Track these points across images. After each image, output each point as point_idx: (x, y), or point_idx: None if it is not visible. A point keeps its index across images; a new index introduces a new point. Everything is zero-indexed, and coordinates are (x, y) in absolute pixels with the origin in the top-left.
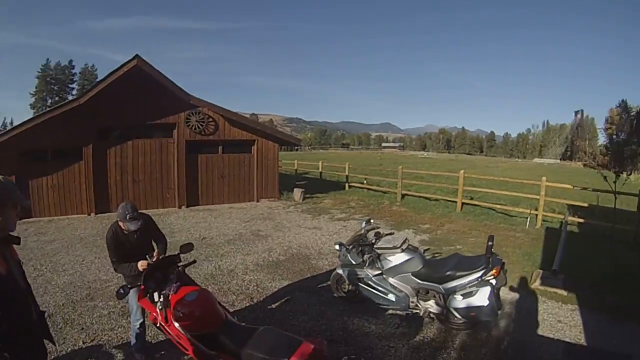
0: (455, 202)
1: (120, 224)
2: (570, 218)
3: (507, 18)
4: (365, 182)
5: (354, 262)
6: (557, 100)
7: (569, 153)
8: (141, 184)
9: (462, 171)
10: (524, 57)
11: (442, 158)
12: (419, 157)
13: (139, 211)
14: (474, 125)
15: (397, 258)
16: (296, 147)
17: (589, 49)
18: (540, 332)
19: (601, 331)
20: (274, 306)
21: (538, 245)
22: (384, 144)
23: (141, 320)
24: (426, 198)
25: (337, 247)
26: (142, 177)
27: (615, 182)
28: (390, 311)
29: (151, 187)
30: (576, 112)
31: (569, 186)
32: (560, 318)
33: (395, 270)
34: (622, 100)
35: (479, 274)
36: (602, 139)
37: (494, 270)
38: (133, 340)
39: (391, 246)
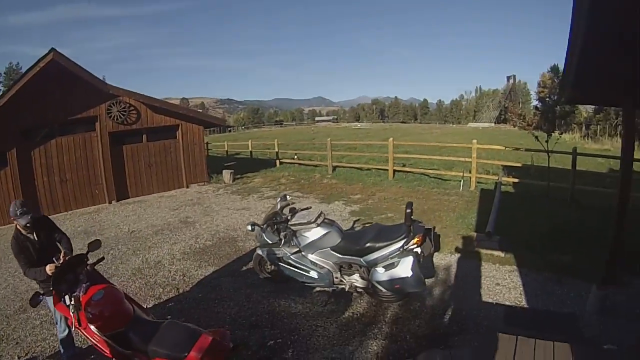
0: (387, 170)
1: (16, 224)
2: (505, 178)
3: None
4: (295, 157)
5: (270, 242)
6: (490, 66)
7: (503, 117)
8: (69, 183)
9: (391, 139)
10: (452, 22)
11: (376, 128)
12: (353, 128)
13: (47, 215)
14: (406, 94)
15: (314, 233)
16: (229, 129)
17: (520, 11)
18: (477, 297)
19: (542, 291)
20: (200, 295)
21: (473, 208)
22: (317, 118)
23: (67, 330)
24: (358, 168)
25: (249, 227)
26: (70, 176)
27: (547, 141)
28: (317, 289)
29: (79, 185)
30: (508, 77)
31: (500, 147)
32: (498, 281)
33: (313, 246)
34: (554, 65)
35: (400, 244)
36: (535, 103)
37: (416, 239)
38: (62, 350)
39: (305, 221)
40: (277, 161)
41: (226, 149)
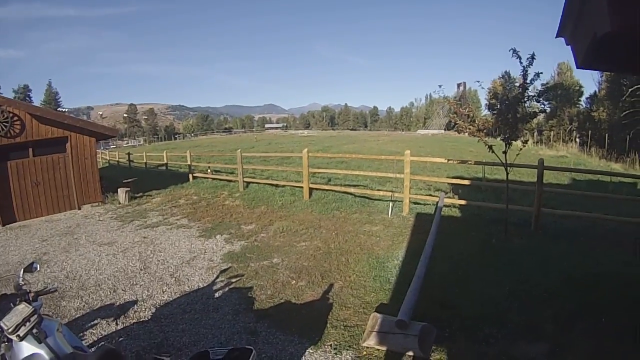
0: (302, 188)
1: None
2: (449, 200)
3: None
4: (209, 170)
5: None
6: (441, 74)
7: (453, 124)
8: None
9: (305, 150)
10: (402, 31)
11: (322, 135)
12: (299, 135)
13: None
14: (357, 102)
15: (19, 350)
16: (175, 136)
17: (470, 19)
18: None
19: None
20: None
21: (400, 246)
22: (267, 126)
23: None
24: (274, 185)
25: None
26: None
27: (505, 152)
28: None
29: None
30: (459, 85)
31: (442, 160)
32: None
33: None
34: (506, 72)
35: None
36: (485, 111)
37: None
38: None
39: (6, 327)
40: (190, 175)
41: (145, 160)
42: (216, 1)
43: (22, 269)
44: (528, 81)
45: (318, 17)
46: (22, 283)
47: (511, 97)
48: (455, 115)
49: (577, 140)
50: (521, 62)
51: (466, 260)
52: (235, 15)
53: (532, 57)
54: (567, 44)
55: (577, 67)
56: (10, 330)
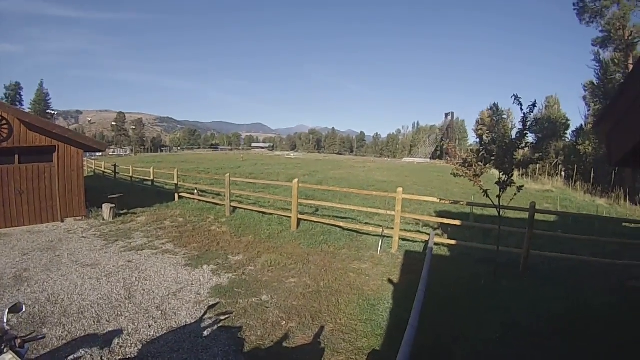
0: (290, 218)
1: None
2: (438, 239)
3: (378, 21)
4: (195, 192)
5: None
6: (428, 102)
7: (439, 153)
8: None
9: (295, 180)
10: (394, 60)
11: (309, 158)
12: (285, 157)
13: None
14: (344, 126)
15: None
16: (161, 149)
17: (457, 53)
18: None
19: None
20: None
21: (390, 286)
22: (254, 144)
23: None
24: (261, 212)
25: None
26: None
27: (499, 196)
28: None
29: None
30: (447, 114)
31: (434, 199)
32: None
33: None
34: (494, 104)
35: None
36: (471, 140)
37: None
38: None
39: None
40: (176, 195)
41: (131, 174)
42: (211, 17)
43: (7, 310)
44: (527, 127)
45: (312, 42)
46: (8, 328)
47: (509, 143)
48: (452, 159)
49: (563, 173)
50: (522, 109)
51: (456, 303)
52: (230, 31)
53: (534, 104)
54: (598, 138)
55: (610, 165)
56: None
